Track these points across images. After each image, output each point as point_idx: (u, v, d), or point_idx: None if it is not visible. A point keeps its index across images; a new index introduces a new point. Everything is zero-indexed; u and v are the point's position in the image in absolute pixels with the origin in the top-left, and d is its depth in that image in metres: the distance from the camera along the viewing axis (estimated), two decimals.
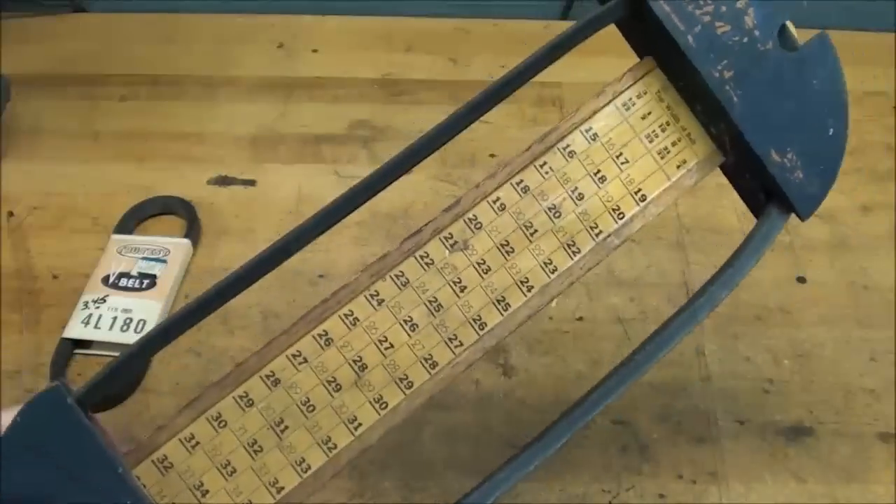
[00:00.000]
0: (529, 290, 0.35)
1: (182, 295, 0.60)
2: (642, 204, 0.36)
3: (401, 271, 0.35)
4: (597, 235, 0.36)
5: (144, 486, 0.34)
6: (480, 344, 0.35)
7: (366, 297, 0.35)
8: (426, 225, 0.35)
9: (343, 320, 0.35)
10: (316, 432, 0.35)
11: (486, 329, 0.35)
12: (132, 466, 0.34)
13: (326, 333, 0.35)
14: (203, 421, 0.34)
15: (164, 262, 0.61)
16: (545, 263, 0.36)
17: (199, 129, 0.72)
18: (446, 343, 0.35)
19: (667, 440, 0.52)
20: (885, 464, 0.51)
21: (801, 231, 0.63)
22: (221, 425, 0.34)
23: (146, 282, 0.60)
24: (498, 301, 0.35)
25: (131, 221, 0.64)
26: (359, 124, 0.73)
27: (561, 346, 0.57)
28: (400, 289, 0.35)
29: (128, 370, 0.34)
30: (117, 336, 0.56)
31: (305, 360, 0.35)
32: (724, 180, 0.71)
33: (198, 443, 0.34)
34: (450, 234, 0.35)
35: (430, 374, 0.35)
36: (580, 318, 0.58)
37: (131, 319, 0.57)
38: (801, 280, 0.61)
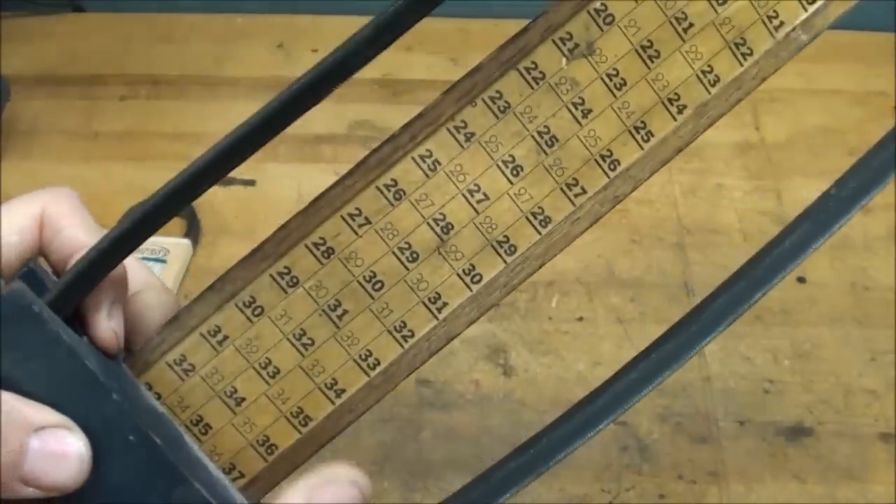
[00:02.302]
0: (681, 112, 0.26)
1: (182, 295, 0.60)
2: None
3: (498, 91, 0.26)
4: (776, 29, 0.26)
5: (159, 397, 0.27)
6: (611, 191, 0.26)
7: (449, 131, 0.26)
8: (533, 22, 0.26)
9: (418, 164, 0.26)
10: (386, 317, 0.27)
11: (619, 169, 0.26)
12: (140, 373, 0.27)
13: (396, 183, 0.26)
14: (232, 308, 0.26)
15: (164, 261, 0.61)
16: (704, 72, 0.26)
17: (199, 129, 0.72)
18: (563, 190, 0.26)
19: (667, 440, 0.52)
20: (885, 464, 0.51)
21: None
22: (256, 313, 0.27)
23: None
24: (636, 129, 0.26)
25: None
26: (359, 124, 0.73)
27: (561, 346, 0.57)
28: (497, 116, 0.26)
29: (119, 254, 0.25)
30: None
31: (368, 221, 0.26)
32: (724, 180, 0.71)
33: (226, 337, 0.27)
34: (568, 33, 0.26)
35: (539, 233, 0.26)
36: (580, 318, 0.58)
37: None
38: (801, 280, 0.61)
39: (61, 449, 0.24)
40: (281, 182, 0.68)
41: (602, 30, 0.25)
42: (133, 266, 0.27)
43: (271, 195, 0.67)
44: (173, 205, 0.25)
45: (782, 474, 0.51)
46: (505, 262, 0.27)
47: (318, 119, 0.74)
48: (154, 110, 0.74)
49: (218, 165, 0.25)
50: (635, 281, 0.60)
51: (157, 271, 0.60)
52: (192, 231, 0.64)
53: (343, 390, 0.27)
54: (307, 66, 0.26)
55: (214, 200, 0.66)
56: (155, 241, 0.62)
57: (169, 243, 0.62)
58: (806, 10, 0.26)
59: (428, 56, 0.78)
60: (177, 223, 0.65)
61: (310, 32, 0.82)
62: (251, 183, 0.68)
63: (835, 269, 0.62)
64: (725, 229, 0.64)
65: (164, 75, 0.77)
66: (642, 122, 0.26)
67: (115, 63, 0.78)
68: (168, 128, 0.72)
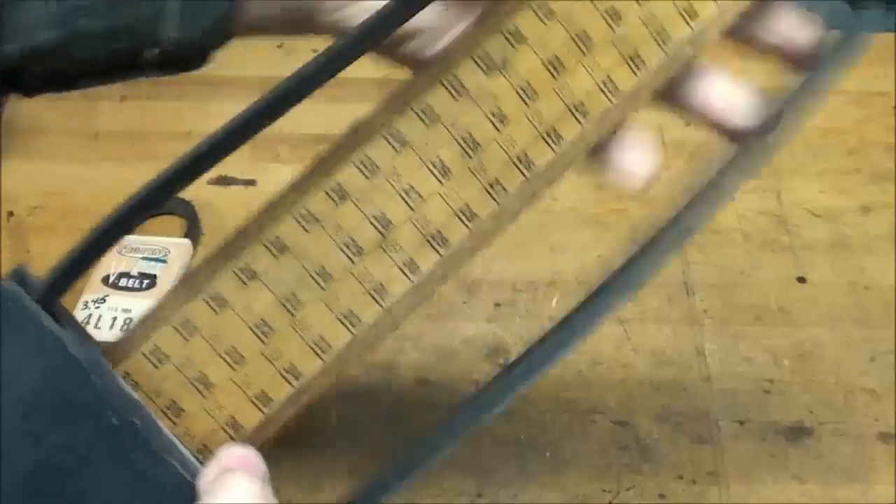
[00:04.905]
0: (585, 117, 0.29)
1: None
2: (721, 1, 0.29)
3: (427, 103, 0.29)
4: (665, 44, 0.29)
5: (136, 384, 0.29)
6: (528, 188, 0.29)
7: (385, 138, 0.29)
8: (455, 43, 0.29)
9: (359, 168, 0.29)
10: (335, 306, 0.29)
11: (534, 169, 0.29)
12: (117, 363, 0.30)
13: (340, 186, 0.29)
14: (199, 302, 0.29)
15: (165, 262, 0.61)
16: (604, 83, 0.29)
17: (199, 129, 0.72)
18: (486, 189, 0.29)
19: (667, 440, 0.52)
20: (886, 464, 0.51)
21: (801, 231, 0.63)
22: (221, 305, 0.29)
23: (146, 282, 0.60)
24: (547, 134, 0.29)
25: None
26: None
27: None
28: (426, 125, 0.29)
29: (98, 255, 0.29)
30: (117, 336, 0.56)
31: (317, 220, 0.29)
32: None
33: (195, 328, 0.30)
34: (485, 51, 0.28)
35: (468, 227, 0.29)
36: None
37: (131, 319, 0.57)
38: (801, 280, 0.61)
39: None
40: (281, 182, 0.67)
41: (514, 48, 0.28)
42: None
43: (271, 195, 0.67)
44: (144, 209, 0.30)
45: (782, 475, 0.51)
46: (439, 254, 0.29)
47: (319, 119, 0.74)
48: (154, 110, 0.74)
49: (198, 163, 0.30)
50: None
51: (158, 271, 0.60)
52: (193, 231, 0.64)
53: (300, 373, 0.30)
54: None
55: (215, 200, 0.66)
56: (155, 241, 0.62)
57: (169, 243, 0.62)
58: (691, 27, 0.29)
59: None
60: (177, 223, 0.65)
61: None
62: (252, 183, 0.68)
63: (835, 269, 0.62)
64: (725, 229, 0.64)
65: None
66: (552, 127, 0.29)
67: None
68: (168, 128, 0.72)
